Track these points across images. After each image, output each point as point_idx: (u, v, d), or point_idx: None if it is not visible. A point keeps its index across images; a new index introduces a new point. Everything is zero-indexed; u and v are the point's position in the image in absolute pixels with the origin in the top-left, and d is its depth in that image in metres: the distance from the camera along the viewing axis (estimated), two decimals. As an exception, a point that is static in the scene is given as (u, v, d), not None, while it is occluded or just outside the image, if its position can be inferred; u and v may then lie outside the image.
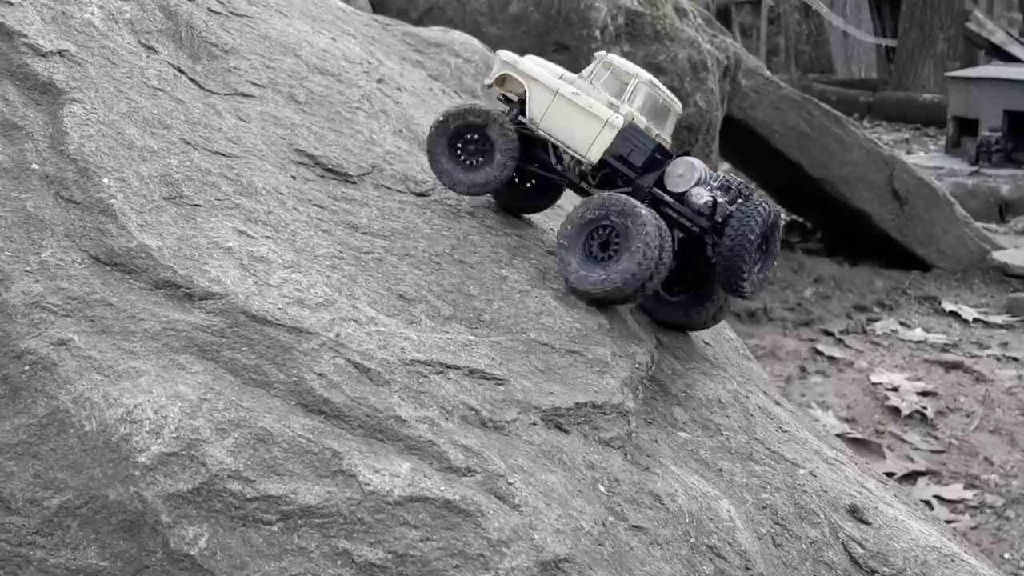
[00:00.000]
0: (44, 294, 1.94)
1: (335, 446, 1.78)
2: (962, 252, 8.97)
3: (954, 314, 7.87)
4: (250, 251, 2.11)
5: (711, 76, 6.71)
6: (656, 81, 2.54)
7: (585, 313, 2.33)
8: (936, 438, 5.66)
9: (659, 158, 2.45)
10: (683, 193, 2.41)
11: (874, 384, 6.32)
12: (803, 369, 6.60)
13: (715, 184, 2.42)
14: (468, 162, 2.55)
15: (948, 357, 6.88)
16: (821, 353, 6.91)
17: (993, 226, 10.63)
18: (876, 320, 7.73)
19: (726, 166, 9.57)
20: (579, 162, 2.48)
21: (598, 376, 2.18)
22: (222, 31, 2.82)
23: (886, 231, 9.00)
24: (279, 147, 2.54)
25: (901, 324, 7.63)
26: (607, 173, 2.49)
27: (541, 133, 2.50)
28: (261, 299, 1.99)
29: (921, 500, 4.62)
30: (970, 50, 20.36)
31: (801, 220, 10.23)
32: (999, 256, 8.95)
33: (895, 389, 6.22)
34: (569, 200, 2.90)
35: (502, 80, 2.59)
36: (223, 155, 2.38)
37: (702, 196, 2.38)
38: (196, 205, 2.19)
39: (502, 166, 2.52)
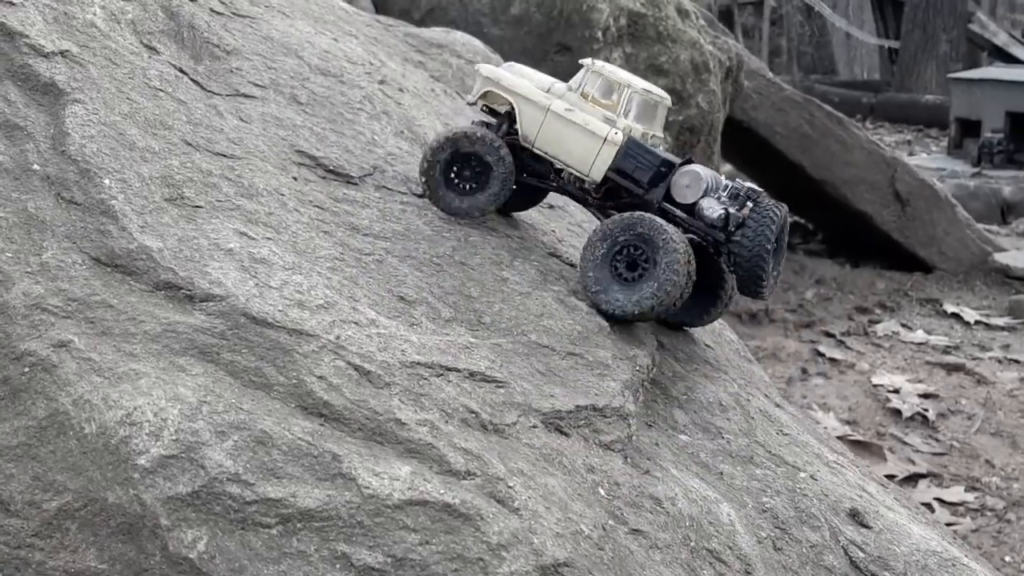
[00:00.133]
0: (44, 295, 1.93)
1: (335, 449, 1.77)
2: (964, 254, 8.96)
3: (956, 316, 7.86)
4: (251, 253, 2.11)
5: (713, 77, 6.71)
6: (647, 85, 2.51)
7: (586, 315, 2.32)
8: (937, 440, 5.66)
9: (664, 171, 2.43)
10: (693, 205, 2.40)
11: (875, 386, 6.31)
12: (804, 371, 6.60)
13: (723, 192, 2.40)
14: (465, 187, 2.55)
15: (949, 359, 6.87)
16: (822, 355, 6.90)
17: (995, 228, 10.62)
18: (877, 322, 7.72)
19: (728, 167, 9.56)
20: (581, 179, 2.47)
21: (599, 379, 2.17)
22: (224, 32, 2.82)
23: (888, 233, 8.99)
24: (280, 148, 2.54)
25: (903, 326, 7.62)
26: (610, 188, 2.48)
27: (537, 151, 2.49)
28: (262, 301, 1.99)
29: (922, 503, 4.61)
30: (973, 52, 20.38)
31: (802, 221, 10.21)
32: (1001, 258, 8.94)
33: (896, 391, 6.21)
34: (567, 201, 2.89)
35: (485, 94, 2.58)
36: (224, 156, 2.38)
37: (715, 210, 2.37)
38: (197, 206, 2.19)
39: (497, 196, 2.53)
